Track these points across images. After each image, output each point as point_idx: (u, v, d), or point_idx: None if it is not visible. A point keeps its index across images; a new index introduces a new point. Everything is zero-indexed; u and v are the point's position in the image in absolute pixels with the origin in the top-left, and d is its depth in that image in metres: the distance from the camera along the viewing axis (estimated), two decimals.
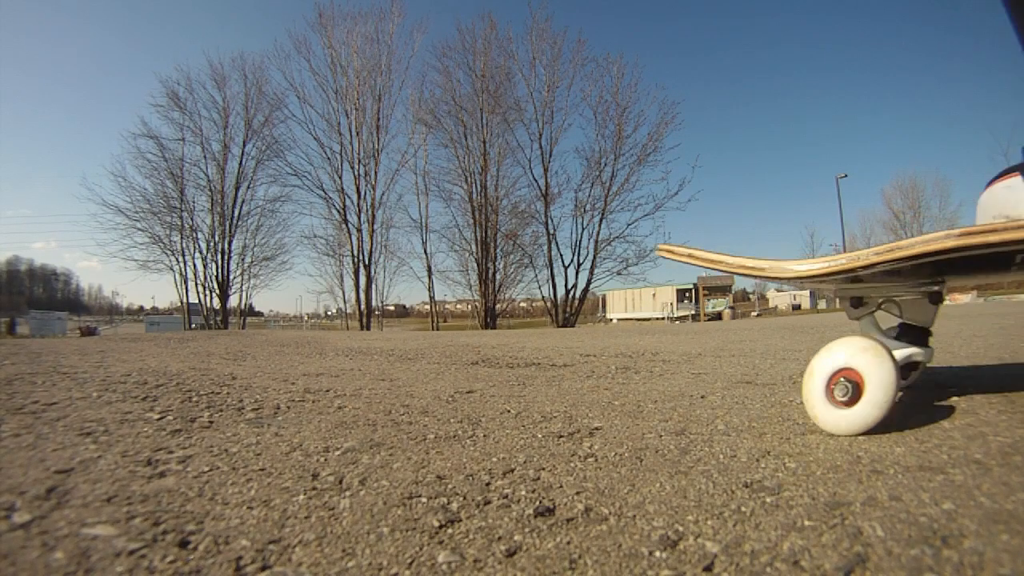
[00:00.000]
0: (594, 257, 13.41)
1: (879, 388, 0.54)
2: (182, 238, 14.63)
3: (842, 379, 0.57)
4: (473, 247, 13.79)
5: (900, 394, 0.73)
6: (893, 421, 0.58)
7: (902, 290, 0.70)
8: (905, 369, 0.69)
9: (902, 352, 0.64)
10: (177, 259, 14.65)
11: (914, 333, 0.68)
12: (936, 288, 0.67)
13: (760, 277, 0.71)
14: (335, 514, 0.38)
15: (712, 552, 0.31)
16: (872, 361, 0.55)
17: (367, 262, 14.34)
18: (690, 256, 0.77)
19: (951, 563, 0.29)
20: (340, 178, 14.60)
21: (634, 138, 13.23)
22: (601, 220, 13.38)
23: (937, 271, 0.63)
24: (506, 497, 0.41)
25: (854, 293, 0.73)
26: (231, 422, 0.71)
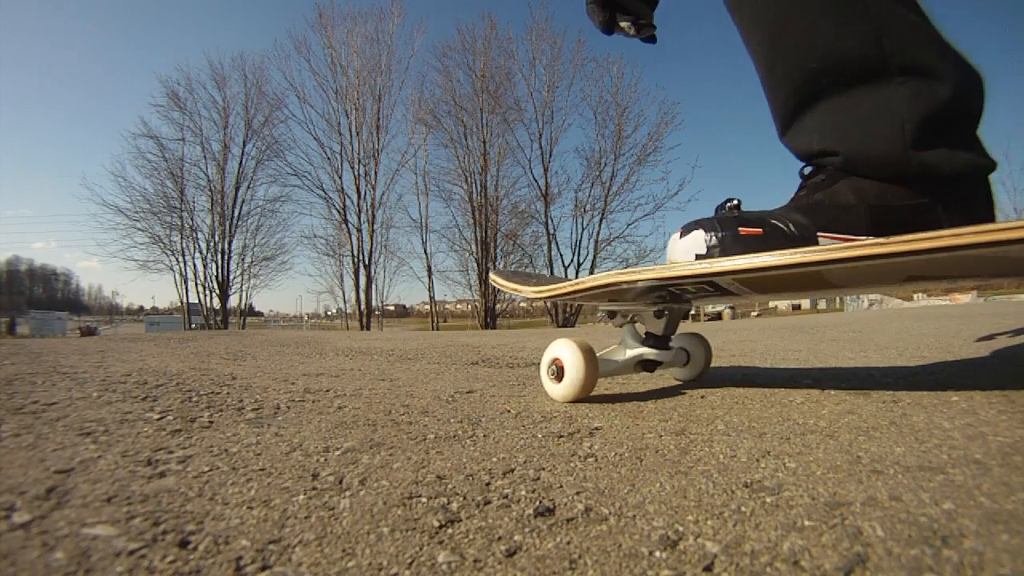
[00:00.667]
0: (594, 257, 13.42)
1: (573, 372, 0.81)
2: (182, 238, 14.66)
3: (553, 364, 0.85)
4: (473, 247, 13.81)
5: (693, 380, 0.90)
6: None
7: (638, 308, 0.96)
8: (644, 364, 0.93)
9: (635, 351, 0.91)
10: (177, 259, 14.68)
11: (654, 339, 0.93)
12: (658, 307, 0.92)
13: (518, 295, 1.01)
14: (335, 514, 0.38)
15: (712, 552, 0.31)
16: (568, 354, 0.82)
17: (367, 262, 14.36)
18: (494, 282, 1.08)
19: (951, 563, 0.29)
20: (340, 178, 14.62)
21: (634, 138, 13.24)
22: (601, 220, 13.40)
23: (660, 297, 0.88)
24: (506, 497, 0.41)
25: (607, 308, 0.99)
26: (231, 422, 0.71)
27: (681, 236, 0.78)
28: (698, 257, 0.75)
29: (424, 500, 0.41)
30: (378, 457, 0.53)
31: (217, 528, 0.36)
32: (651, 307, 0.92)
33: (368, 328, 13.52)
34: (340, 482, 0.45)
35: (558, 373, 0.83)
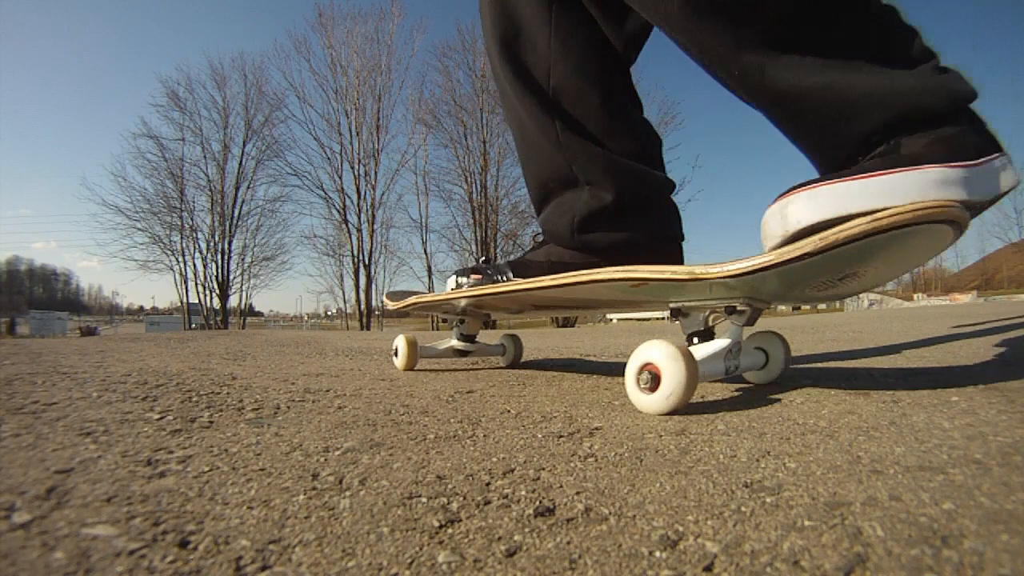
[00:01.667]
0: None
1: (402, 352, 1.31)
2: (182, 238, 14.68)
3: (395, 348, 1.34)
4: (473, 247, 13.80)
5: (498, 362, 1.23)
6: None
7: (455, 317, 1.45)
8: (458, 352, 1.42)
9: (450, 343, 1.41)
10: (177, 259, 14.69)
11: (464, 336, 1.42)
12: (459, 317, 1.43)
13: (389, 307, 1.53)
14: (335, 514, 0.38)
15: (712, 552, 0.31)
16: (400, 344, 1.31)
17: (367, 262, 14.36)
18: (407, 304, 1.46)
19: (951, 563, 0.29)
20: (340, 178, 14.64)
21: None
22: None
23: (461, 311, 1.36)
24: (506, 497, 0.41)
25: (444, 316, 1.54)
26: (231, 422, 0.71)
27: (448, 278, 1.23)
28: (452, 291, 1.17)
29: (424, 500, 0.41)
30: (378, 457, 0.53)
31: (217, 528, 0.36)
32: (458, 316, 1.43)
33: (368, 328, 13.51)
34: (340, 482, 0.45)
35: (395, 353, 1.33)
